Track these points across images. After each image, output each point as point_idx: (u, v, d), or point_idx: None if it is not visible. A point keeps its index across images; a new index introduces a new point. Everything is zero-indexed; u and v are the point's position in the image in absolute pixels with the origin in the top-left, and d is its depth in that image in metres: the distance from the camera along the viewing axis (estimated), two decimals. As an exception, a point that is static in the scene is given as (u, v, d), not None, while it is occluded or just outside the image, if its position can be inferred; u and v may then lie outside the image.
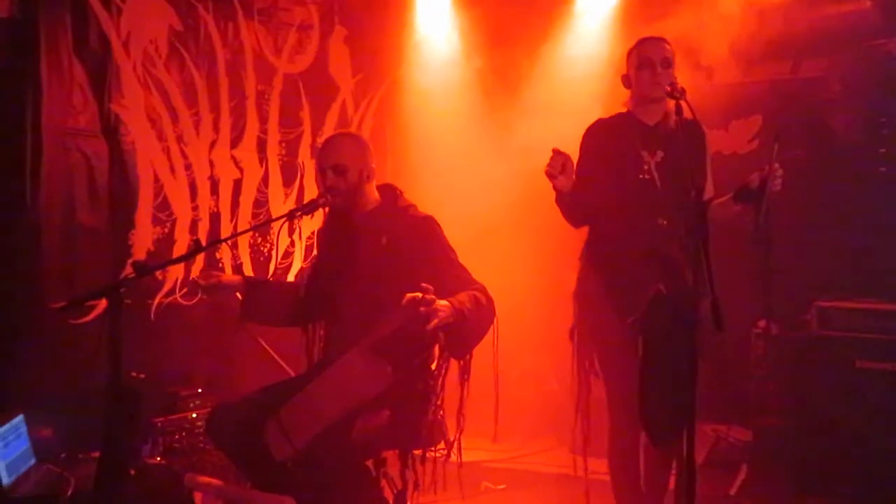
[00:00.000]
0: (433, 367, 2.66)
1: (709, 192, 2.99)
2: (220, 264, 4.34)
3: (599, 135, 2.98)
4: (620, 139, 2.92)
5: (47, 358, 3.42)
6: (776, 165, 2.66)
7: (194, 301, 4.05)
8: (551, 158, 2.71)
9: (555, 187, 2.75)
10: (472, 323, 2.51)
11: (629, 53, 2.95)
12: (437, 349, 2.65)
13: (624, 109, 3.01)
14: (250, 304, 2.91)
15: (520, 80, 5.09)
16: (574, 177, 2.76)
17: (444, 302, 2.40)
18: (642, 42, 2.93)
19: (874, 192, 4.36)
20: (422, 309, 2.32)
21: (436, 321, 2.35)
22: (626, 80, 2.96)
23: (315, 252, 4.59)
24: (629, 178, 2.86)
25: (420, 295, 2.32)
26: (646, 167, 2.86)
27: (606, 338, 2.90)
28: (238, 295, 2.93)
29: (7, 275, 3.36)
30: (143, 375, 3.39)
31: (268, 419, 2.52)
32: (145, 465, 3.37)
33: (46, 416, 3.34)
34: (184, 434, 3.58)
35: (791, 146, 2.77)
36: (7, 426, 3.06)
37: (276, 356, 3.16)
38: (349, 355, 2.57)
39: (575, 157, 2.82)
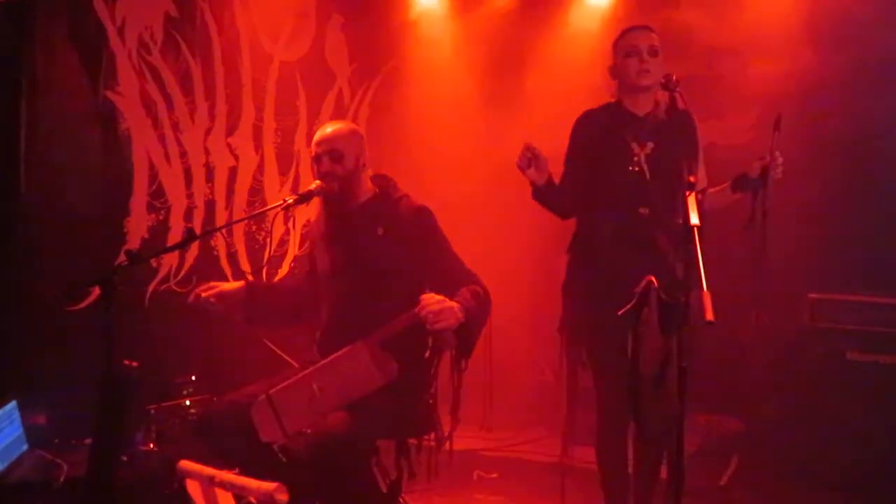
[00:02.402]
0: (426, 355, 2.66)
1: (702, 182, 2.97)
2: (216, 252, 4.34)
3: (588, 126, 2.96)
4: (610, 131, 2.89)
5: (41, 344, 3.42)
6: (777, 153, 2.71)
7: (189, 289, 4.05)
8: (520, 152, 2.73)
9: (529, 181, 2.78)
10: (477, 319, 2.53)
11: (615, 43, 2.94)
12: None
13: (612, 100, 2.98)
14: (253, 308, 2.86)
15: (518, 67, 5.08)
16: (547, 171, 2.78)
17: (453, 303, 2.43)
18: (628, 31, 2.92)
19: (870, 185, 4.37)
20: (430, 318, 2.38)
21: (449, 324, 2.39)
22: (614, 71, 2.94)
23: (307, 245, 4.59)
24: (619, 169, 2.85)
25: (436, 297, 2.37)
26: (636, 159, 2.84)
27: (594, 330, 2.89)
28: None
29: (2, 262, 3.36)
30: (136, 363, 3.40)
31: (258, 399, 2.53)
32: (138, 451, 3.39)
33: (39, 402, 3.35)
34: (177, 421, 3.59)
35: (787, 137, 2.79)
36: (0, 412, 3.07)
37: (280, 353, 3.16)
38: (356, 347, 2.52)
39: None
